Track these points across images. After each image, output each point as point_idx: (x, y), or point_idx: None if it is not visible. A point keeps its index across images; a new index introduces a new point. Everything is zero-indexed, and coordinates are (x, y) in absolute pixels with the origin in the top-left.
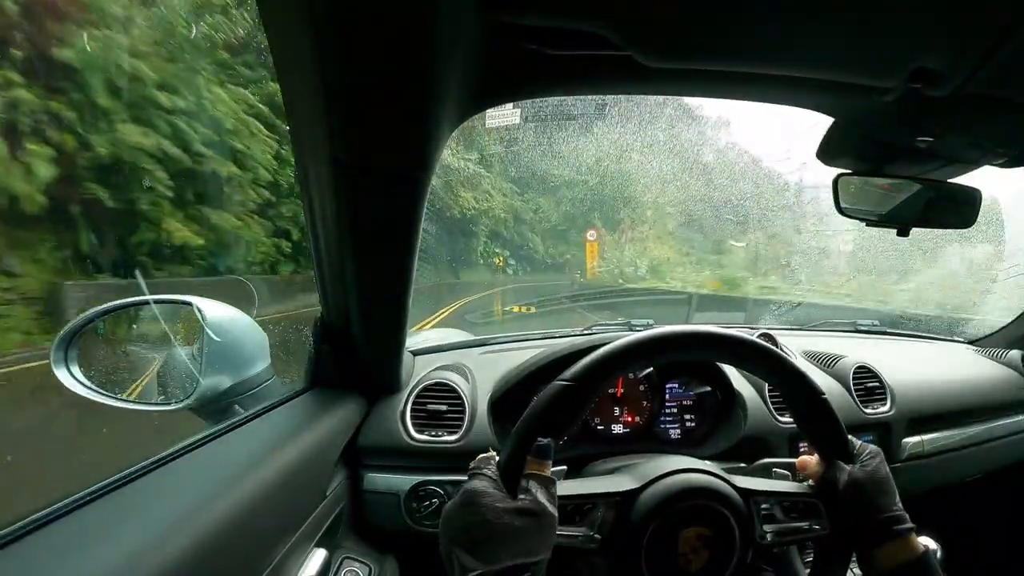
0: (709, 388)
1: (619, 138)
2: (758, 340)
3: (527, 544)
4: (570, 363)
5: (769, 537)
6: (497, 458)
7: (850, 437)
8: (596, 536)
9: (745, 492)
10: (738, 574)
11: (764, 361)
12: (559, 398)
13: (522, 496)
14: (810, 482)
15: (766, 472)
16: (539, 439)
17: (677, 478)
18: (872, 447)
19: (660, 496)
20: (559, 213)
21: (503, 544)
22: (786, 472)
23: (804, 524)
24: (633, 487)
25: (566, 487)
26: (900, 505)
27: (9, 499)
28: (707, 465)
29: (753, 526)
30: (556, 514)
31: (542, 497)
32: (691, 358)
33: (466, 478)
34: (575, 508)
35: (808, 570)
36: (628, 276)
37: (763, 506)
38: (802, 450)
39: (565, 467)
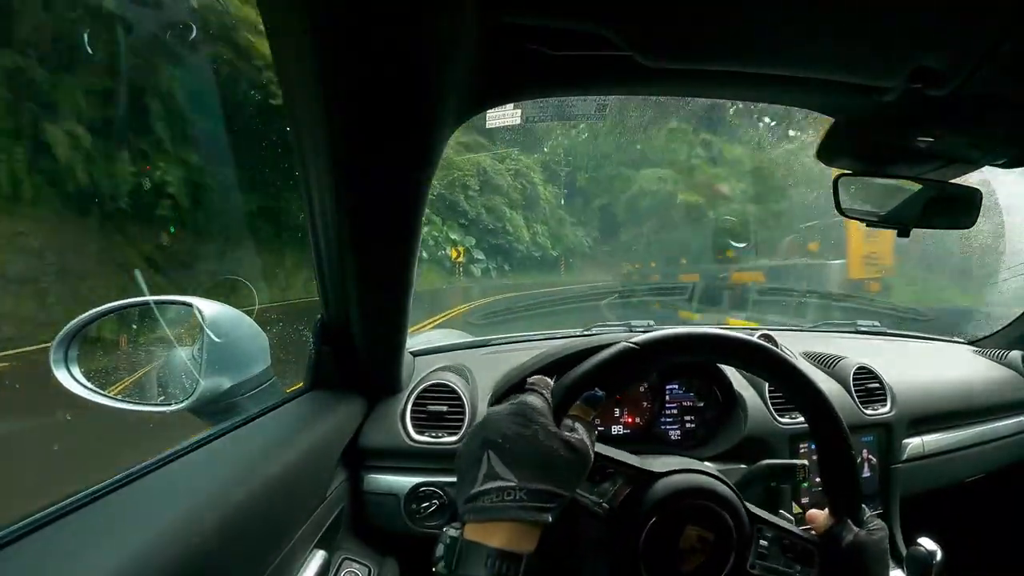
0: (710, 389)
1: None
2: (808, 374)
3: (563, 477)
4: (570, 363)
5: (757, 569)
6: (553, 385)
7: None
8: (604, 505)
9: (753, 516)
10: None
11: (804, 396)
12: (625, 357)
13: (569, 432)
14: (813, 532)
15: (766, 474)
16: (596, 389)
17: (699, 477)
18: (879, 521)
19: (679, 487)
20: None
21: (542, 467)
22: (791, 517)
23: (795, 568)
24: (658, 471)
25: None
26: None
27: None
28: (722, 478)
29: (749, 551)
30: (592, 460)
31: (587, 439)
32: (748, 370)
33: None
34: (595, 469)
35: None
36: None
37: (764, 536)
38: (804, 501)
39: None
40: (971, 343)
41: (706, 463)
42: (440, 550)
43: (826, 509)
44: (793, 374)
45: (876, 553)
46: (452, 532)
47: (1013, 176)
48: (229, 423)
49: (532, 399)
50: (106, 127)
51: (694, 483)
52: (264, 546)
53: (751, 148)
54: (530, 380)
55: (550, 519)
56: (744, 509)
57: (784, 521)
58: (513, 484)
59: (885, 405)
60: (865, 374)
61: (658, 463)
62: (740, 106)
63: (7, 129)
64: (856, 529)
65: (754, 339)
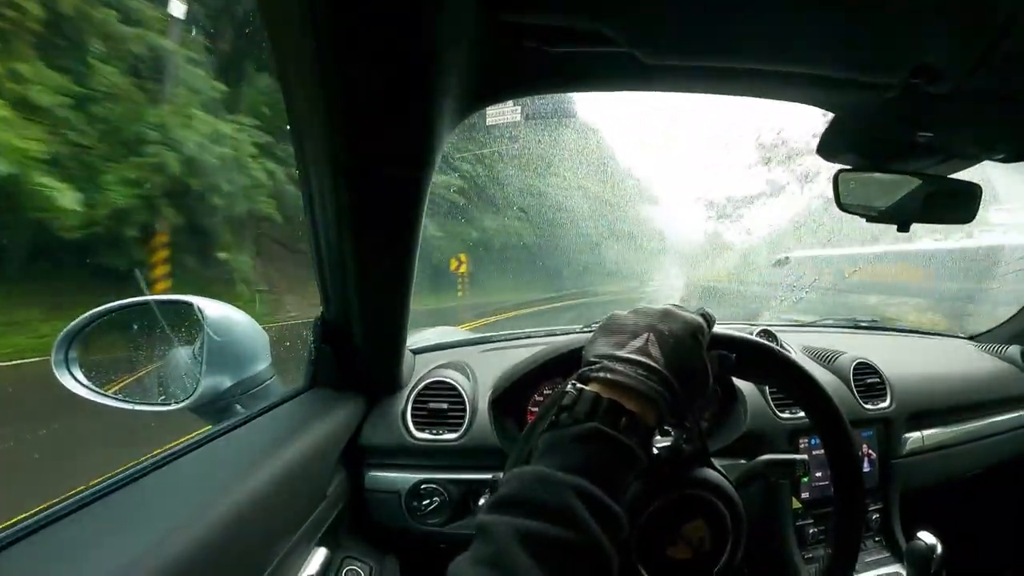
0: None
1: None
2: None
3: (691, 392)
4: (572, 360)
5: None
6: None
7: None
8: (656, 450)
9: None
10: None
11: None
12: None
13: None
14: None
15: (765, 469)
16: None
17: (720, 477)
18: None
19: (712, 478)
20: None
21: (685, 373)
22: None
23: None
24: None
25: None
26: None
27: None
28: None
29: (736, 559)
30: (709, 395)
31: (712, 380)
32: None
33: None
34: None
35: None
36: None
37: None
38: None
39: None
40: (971, 338)
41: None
42: (568, 398)
43: None
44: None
45: None
46: (579, 385)
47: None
48: (230, 422)
49: (705, 324)
50: None
51: (715, 479)
52: (265, 544)
53: None
54: (706, 311)
55: (670, 416)
56: (744, 517)
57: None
58: (660, 368)
59: (885, 400)
60: (865, 369)
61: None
62: None
63: None
64: None
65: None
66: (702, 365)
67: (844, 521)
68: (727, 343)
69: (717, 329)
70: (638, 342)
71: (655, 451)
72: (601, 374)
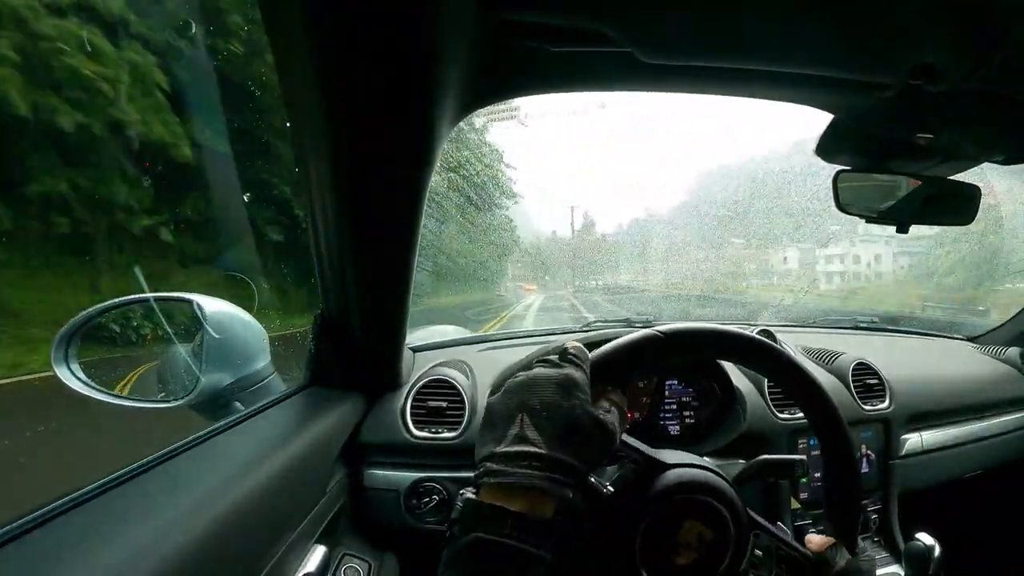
0: (709, 384)
1: None
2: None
3: (589, 454)
4: None
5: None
6: (591, 358)
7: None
8: (609, 488)
9: (752, 522)
10: None
11: (826, 426)
12: (652, 343)
13: (603, 413)
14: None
15: (764, 469)
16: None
17: (706, 474)
18: (871, 554)
19: (685, 479)
20: None
21: (573, 442)
22: (787, 530)
23: None
24: (669, 462)
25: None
26: None
27: None
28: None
29: (744, 554)
30: (617, 443)
31: (619, 424)
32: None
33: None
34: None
35: None
36: None
37: (759, 545)
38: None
39: None
40: (970, 339)
41: (706, 459)
42: (456, 512)
43: (823, 535)
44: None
45: None
46: (469, 495)
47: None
48: (229, 419)
49: (576, 373)
50: None
51: (700, 478)
52: (264, 541)
53: None
54: (571, 348)
55: (569, 495)
56: (745, 513)
57: (781, 531)
58: (542, 452)
59: (884, 401)
60: (864, 370)
61: (666, 454)
62: None
63: None
64: (849, 556)
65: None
66: (586, 419)
67: (840, 521)
68: (615, 356)
69: (670, 327)
70: (515, 429)
71: (609, 490)
72: (485, 479)
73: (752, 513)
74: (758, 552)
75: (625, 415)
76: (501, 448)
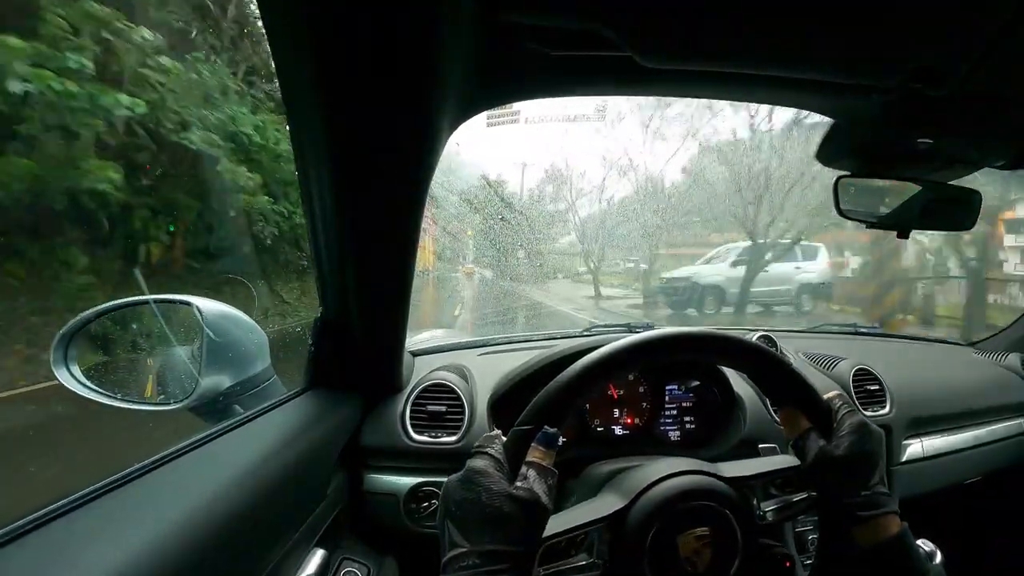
0: (708, 389)
1: None
2: (720, 334)
3: (512, 532)
4: (567, 366)
5: (770, 516)
6: (504, 439)
7: (833, 398)
8: (597, 562)
9: (735, 480)
10: (747, 561)
11: (724, 349)
12: (563, 389)
13: (519, 483)
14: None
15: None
16: (546, 428)
17: (663, 486)
18: (854, 420)
19: (649, 508)
20: None
21: (489, 527)
22: (773, 446)
23: (802, 495)
24: (619, 506)
25: (553, 525)
26: (878, 483)
27: None
28: (694, 464)
29: (751, 512)
30: (550, 508)
31: (538, 488)
32: (675, 359)
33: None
34: (569, 541)
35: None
36: None
37: (757, 488)
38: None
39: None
40: (971, 345)
41: (695, 460)
42: None
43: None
44: (714, 341)
45: (847, 464)
46: None
47: None
48: (229, 422)
49: (475, 462)
50: None
51: (659, 496)
52: (263, 544)
53: None
54: (478, 442)
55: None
56: (722, 480)
57: (765, 461)
58: (466, 550)
59: (884, 407)
60: (864, 375)
61: (623, 487)
62: None
63: None
64: (820, 443)
65: (708, 331)
66: (496, 502)
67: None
68: (530, 419)
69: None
70: (446, 536)
71: (599, 564)
72: None
73: (727, 471)
74: (766, 507)
75: (551, 472)
76: (444, 558)
